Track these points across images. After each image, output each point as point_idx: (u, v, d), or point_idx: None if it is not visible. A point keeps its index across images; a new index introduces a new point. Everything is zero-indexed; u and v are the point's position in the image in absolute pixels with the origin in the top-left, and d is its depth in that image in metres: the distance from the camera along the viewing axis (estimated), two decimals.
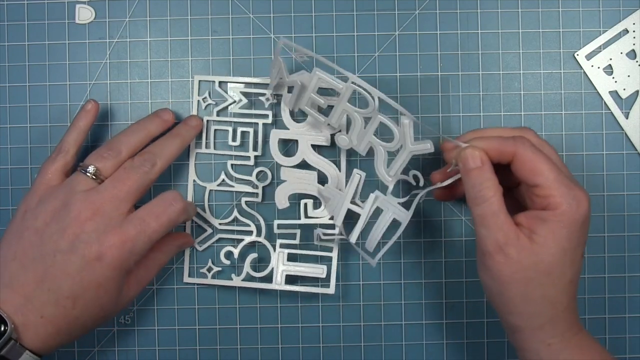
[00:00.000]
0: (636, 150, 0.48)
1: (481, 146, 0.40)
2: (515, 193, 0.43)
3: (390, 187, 0.44)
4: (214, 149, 0.48)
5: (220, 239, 0.48)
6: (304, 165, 0.46)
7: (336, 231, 0.45)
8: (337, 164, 0.46)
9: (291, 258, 0.47)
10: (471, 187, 0.39)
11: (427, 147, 0.41)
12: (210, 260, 0.48)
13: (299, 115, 0.47)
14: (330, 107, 0.44)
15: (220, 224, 0.48)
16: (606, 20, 0.48)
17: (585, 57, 0.48)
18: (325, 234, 0.45)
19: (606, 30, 0.48)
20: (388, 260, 0.48)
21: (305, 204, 0.46)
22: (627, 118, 0.48)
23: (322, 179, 0.46)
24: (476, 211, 0.39)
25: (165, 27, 0.48)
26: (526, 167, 0.39)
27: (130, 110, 0.48)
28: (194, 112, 0.47)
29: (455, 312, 0.48)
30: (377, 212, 0.44)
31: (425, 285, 0.48)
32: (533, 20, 0.48)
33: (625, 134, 0.48)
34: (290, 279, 0.47)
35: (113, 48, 0.48)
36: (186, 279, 0.48)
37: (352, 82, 0.41)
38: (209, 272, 0.48)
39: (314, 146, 0.46)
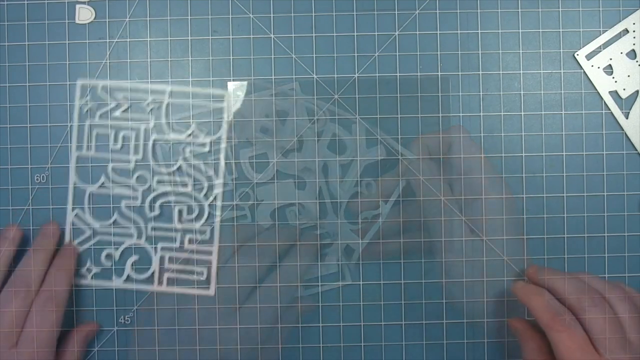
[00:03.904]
0: (636, 150, 0.48)
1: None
2: None
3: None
4: (95, 151, 0.48)
5: (99, 241, 0.48)
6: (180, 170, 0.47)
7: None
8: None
9: (172, 260, 0.48)
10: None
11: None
12: (89, 261, 0.48)
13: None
14: None
15: (100, 225, 0.48)
16: (606, 20, 0.48)
17: (585, 57, 0.48)
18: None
19: (606, 30, 0.48)
20: (388, 260, 0.48)
21: (180, 210, 0.47)
22: (627, 118, 0.48)
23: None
24: None
25: (165, 27, 0.48)
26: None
27: (130, 111, 0.48)
28: (76, 116, 0.47)
29: (455, 312, 0.48)
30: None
31: (426, 285, 0.48)
32: (533, 20, 0.48)
33: (625, 134, 0.48)
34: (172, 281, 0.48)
35: (113, 48, 0.48)
36: None
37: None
38: (89, 272, 0.48)
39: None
